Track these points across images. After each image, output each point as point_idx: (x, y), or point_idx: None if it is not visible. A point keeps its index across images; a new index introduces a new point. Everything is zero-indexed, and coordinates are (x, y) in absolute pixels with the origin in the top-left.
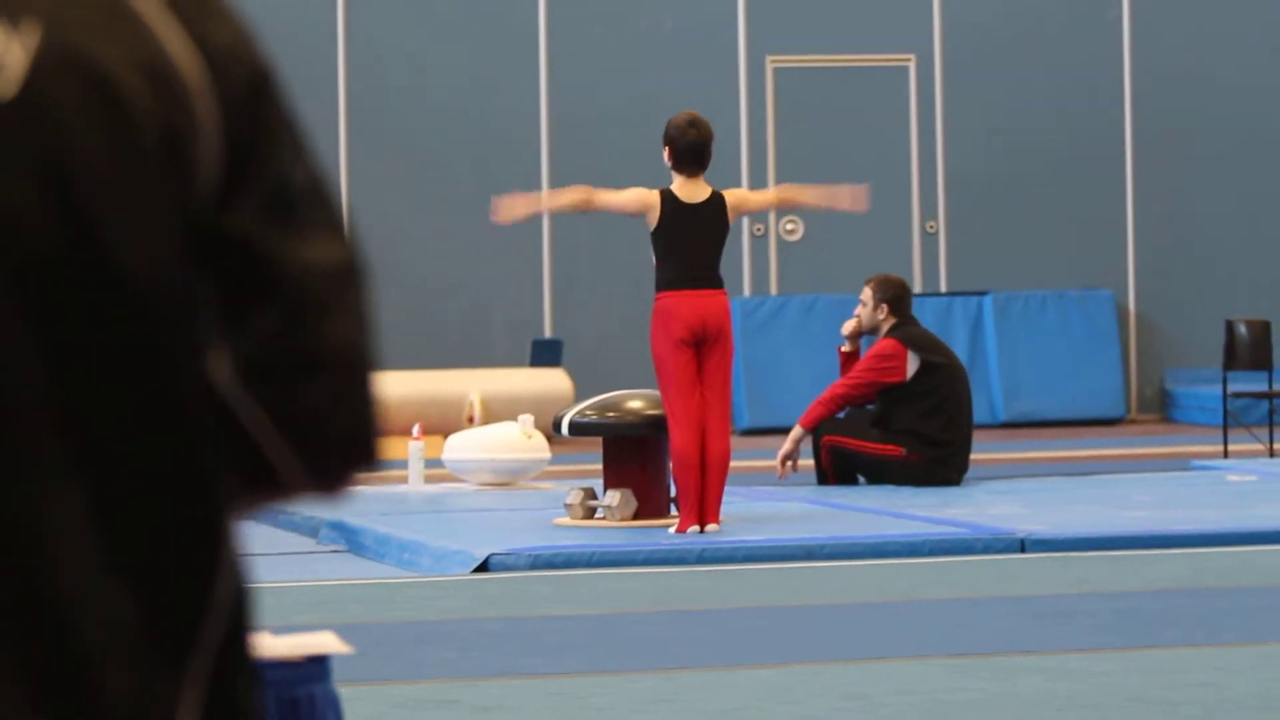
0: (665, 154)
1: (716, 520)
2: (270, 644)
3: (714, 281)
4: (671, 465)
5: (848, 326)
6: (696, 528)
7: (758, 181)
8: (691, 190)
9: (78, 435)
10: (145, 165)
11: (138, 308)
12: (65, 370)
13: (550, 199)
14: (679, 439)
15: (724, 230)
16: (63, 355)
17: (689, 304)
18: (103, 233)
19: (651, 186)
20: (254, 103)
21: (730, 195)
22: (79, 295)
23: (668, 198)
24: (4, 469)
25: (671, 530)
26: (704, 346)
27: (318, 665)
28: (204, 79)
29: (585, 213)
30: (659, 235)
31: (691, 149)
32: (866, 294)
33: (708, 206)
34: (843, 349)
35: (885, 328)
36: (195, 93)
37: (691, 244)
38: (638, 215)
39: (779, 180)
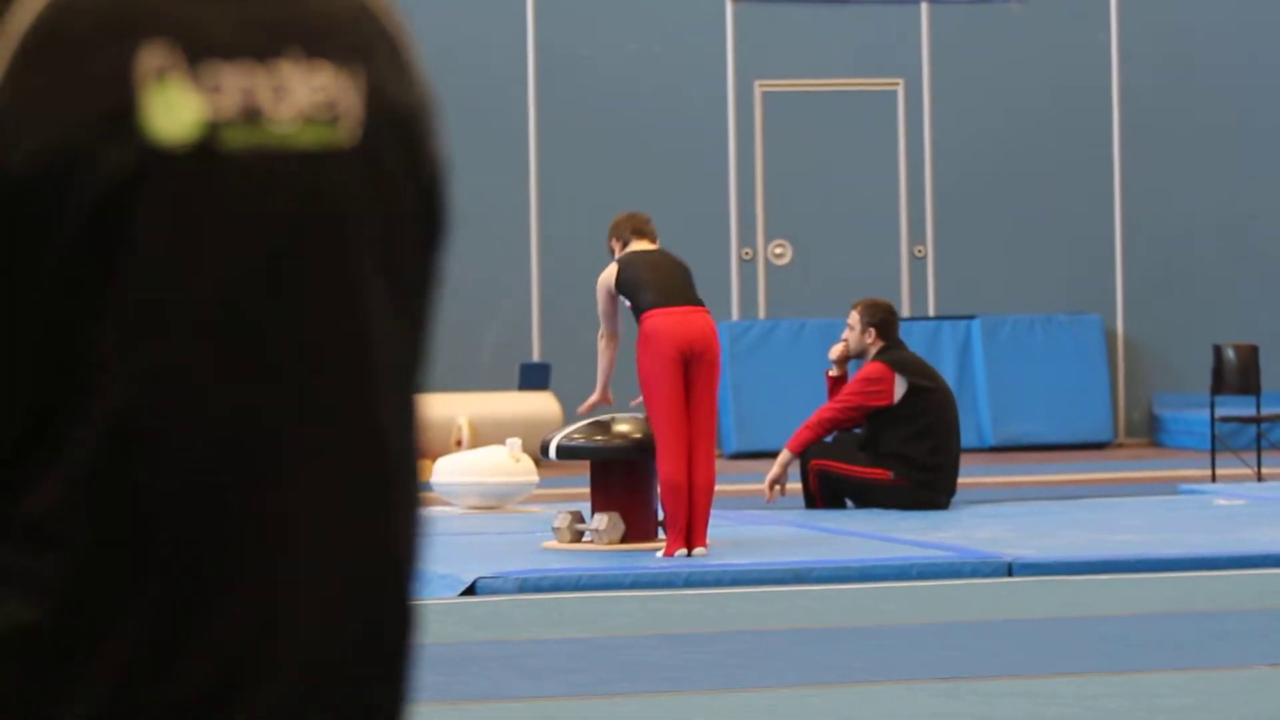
0: (617, 246)
1: (704, 544)
2: None
3: (696, 300)
4: (660, 491)
5: (835, 351)
6: (684, 551)
7: (746, 206)
8: (646, 246)
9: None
10: (430, 212)
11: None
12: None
13: (602, 375)
14: (667, 466)
15: (686, 265)
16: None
17: (677, 320)
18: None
19: (645, 216)
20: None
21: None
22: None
23: (623, 257)
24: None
25: (659, 554)
26: (691, 366)
27: None
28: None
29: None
30: (626, 278)
31: (644, 229)
32: (854, 318)
33: (662, 252)
34: (830, 373)
35: (873, 352)
36: (438, 144)
37: (661, 271)
38: (617, 295)
39: (767, 205)
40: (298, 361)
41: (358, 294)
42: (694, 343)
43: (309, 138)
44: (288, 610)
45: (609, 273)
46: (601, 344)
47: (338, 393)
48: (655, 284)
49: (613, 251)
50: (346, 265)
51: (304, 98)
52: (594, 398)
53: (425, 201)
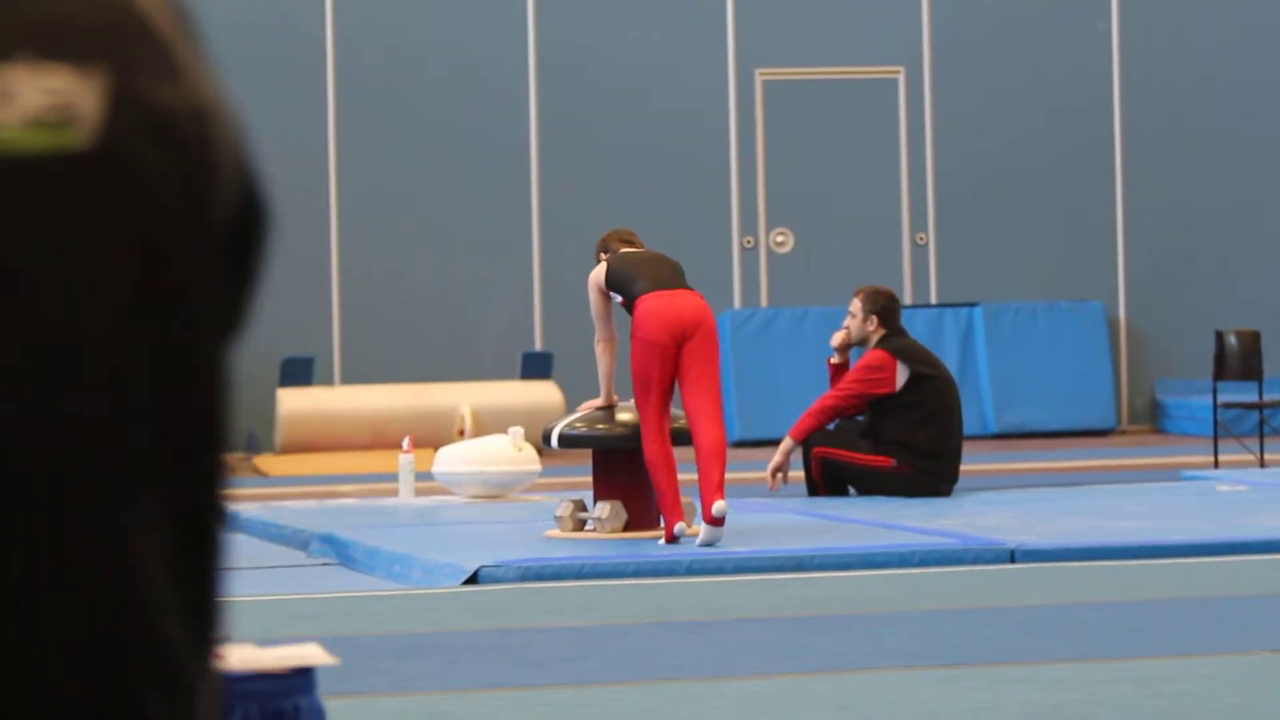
0: (603, 257)
1: (721, 495)
2: (256, 656)
3: (687, 285)
4: (650, 474)
5: (837, 338)
6: (682, 525)
7: (748, 194)
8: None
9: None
10: (210, 220)
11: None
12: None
13: (604, 379)
14: (648, 446)
15: (676, 261)
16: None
17: (668, 302)
18: (185, 292)
19: (642, 201)
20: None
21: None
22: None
23: (611, 256)
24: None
25: (660, 541)
26: (686, 345)
27: (303, 677)
28: (227, 132)
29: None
30: (616, 272)
31: (630, 240)
32: (856, 305)
33: (650, 250)
34: (832, 360)
35: (874, 339)
36: (224, 145)
37: (651, 263)
38: (609, 296)
39: (768, 193)
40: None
41: (89, 294)
42: (685, 321)
43: (37, 141)
44: None
45: (599, 272)
46: (598, 349)
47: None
48: (646, 274)
49: (600, 263)
50: (77, 266)
51: (32, 100)
52: (599, 402)
53: (202, 204)
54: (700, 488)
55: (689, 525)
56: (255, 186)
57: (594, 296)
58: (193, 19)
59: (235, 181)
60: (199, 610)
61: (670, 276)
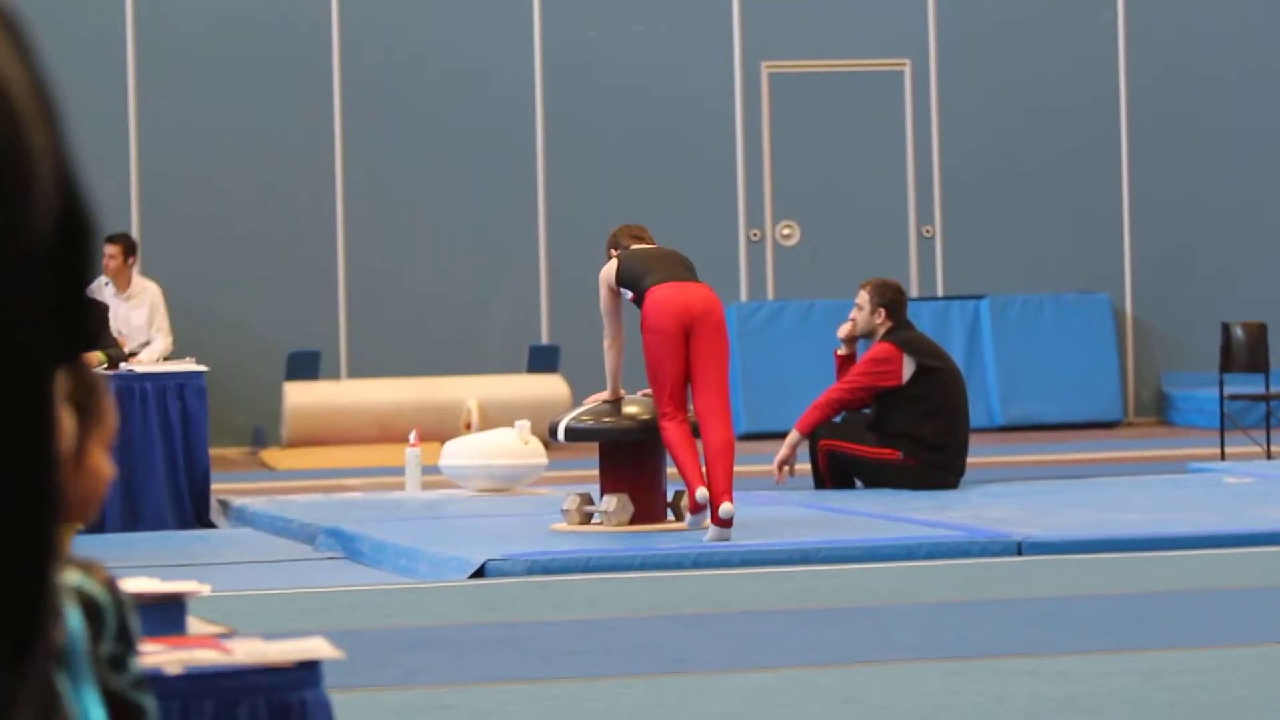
0: (614, 254)
1: (730, 498)
2: (262, 650)
3: (697, 278)
4: (669, 453)
5: (843, 330)
6: (704, 491)
7: (754, 187)
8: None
9: None
10: (27, 227)
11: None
12: None
13: (611, 376)
14: (668, 427)
15: (687, 257)
16: None
17: (678, 292)
18: None
19: (648, 194)
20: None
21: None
22: None
23: (622, 252)
24: None
25: (688, 515)
26: (695, 336)
27: (309, 670)
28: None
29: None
30: (627, 268)
31: (641, 235)
32: (863, 298)
33: (661, 246)
34: (838, 353)
35: (881, 332)
36: (38, 149)
37: (661, 258)
38: (619, 293)
39: (774, 186)
40: None
41: None
42: (693, 309)
43: None
44: None
45: (609, 268)
46: (607, 344)
47: None
48: (658, 268)
49: (610, 259)
50: None
51: None
52: (606, 397)
53: (16, 208)
54: (709, 488)
55: (715, 515)
56: (77, 191)
57: (604, 293)
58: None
59: (54, 186)
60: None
61: (681, 271)
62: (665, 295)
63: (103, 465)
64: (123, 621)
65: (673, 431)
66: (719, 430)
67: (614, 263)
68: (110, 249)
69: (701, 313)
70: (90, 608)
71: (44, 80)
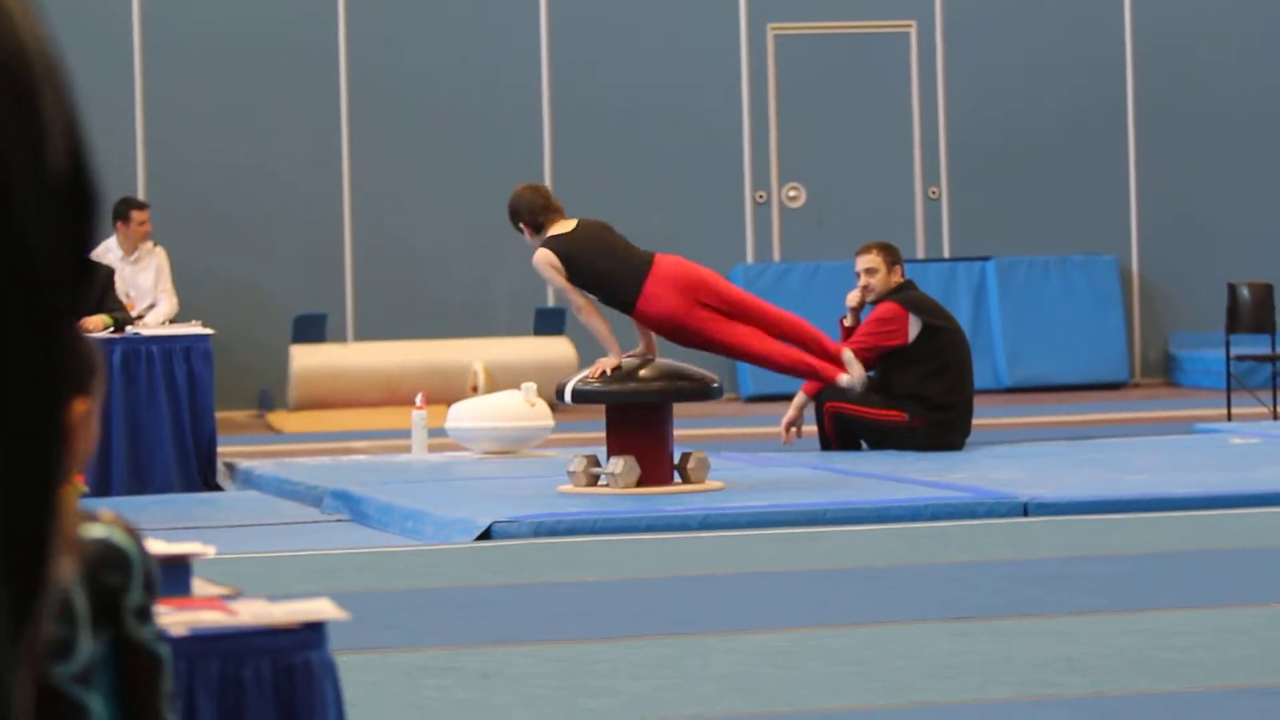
0: (528, 232)
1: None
2: (267, 611)
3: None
4: (791, 367)
5: (853, 298)
6: (845, 353)
7: (760, 149)
8: (562, 226)
9: None
10: (45, 171)
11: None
12: None
13: (607, 339)
14: (759, 350)
15: (603, 223)
16: None
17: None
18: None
19: (654, 156)
20: None
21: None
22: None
23: (555, 243)
24: None
25: (841, 379)
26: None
27: (314, 632)
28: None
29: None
30: (580, 272)
31: (551, 205)
32: (874, 260)
33: (585, 224)
34: (844, 321)
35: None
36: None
37: (603, 252)
38: (554, 279)
39: (780, 148)
40: None
41: None
42: (695, 279)
43: None
44: None
45: (548, 259)
46: (583, 317)
47: None
48: (600, 281)
49: (522, 233)
50: None
51: None
52: (612, 361)
53: (37, 151)
54: (818, 353)
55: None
56: (85, 156)
57: (552, 276)
58: None
59: (65, 149)
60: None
61: (630, 253)
62: (666, 271)
63: (94, 422)
64: (148, 572)
65: (766, 352)
66: (787, 325)
67: (550, 256)
68: (140, 215)
69: (699, 281)
70: (118, 558)
71: (52, 43)
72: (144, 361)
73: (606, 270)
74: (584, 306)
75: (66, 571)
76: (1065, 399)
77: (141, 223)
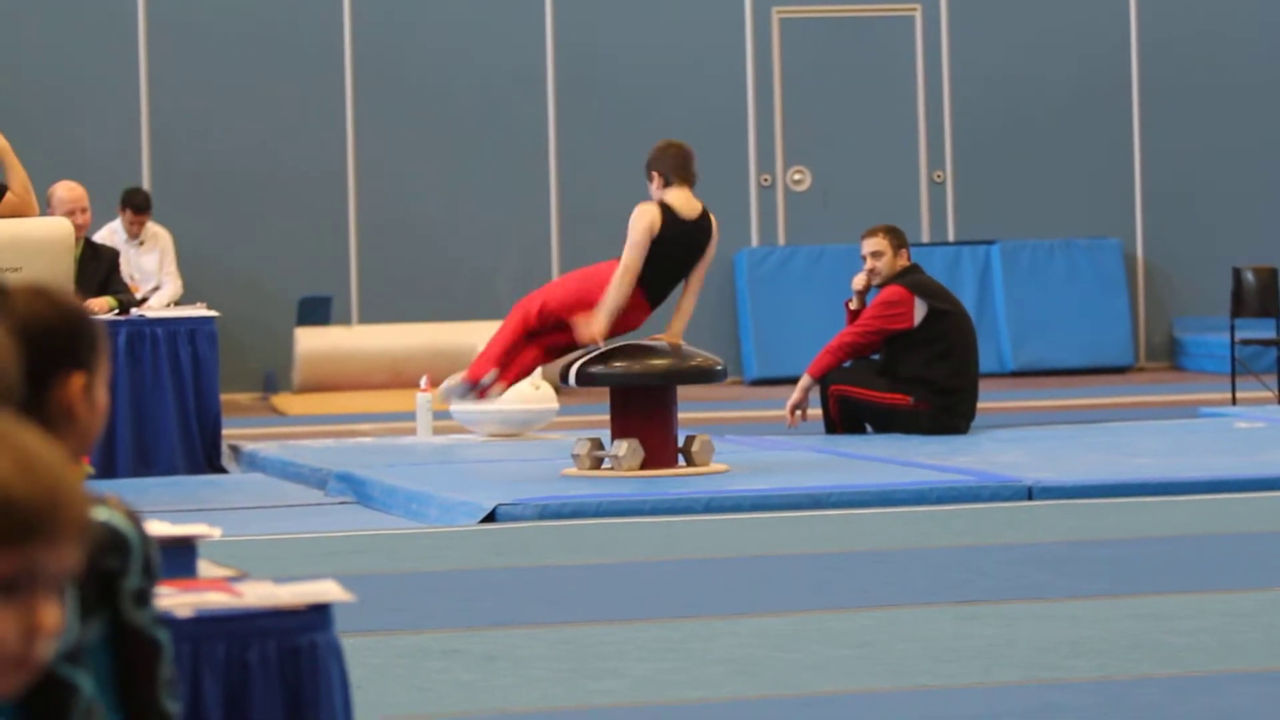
0: (657, 181)
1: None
2: (272, 593)
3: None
4: None
5: (859, 281)
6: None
7: (765, 132)
8: (684, 198)
9: None
10: None
11: None
12: None
13: (605, 312)
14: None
15: (703, 238)
16: None
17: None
18: None
19: (659, 137)
20: None
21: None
22: None
23: (666, 214)
24: None
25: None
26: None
27: (319, 614)
28: None
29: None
30: (654, 243)
31: (686, 171)
32: (880, 244)
33: (700, 226)
34: (849, 305)
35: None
36: None
37: (675, 257)
38: (639, 236)
39: (785, 131)
40: None
41: None
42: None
43: None
44: None
45: (652, 224)
46: (624, 278)
47: None
48: (662, 275)
49: (651, 181)
50: None
51: None
52: (593, 332)
53: None
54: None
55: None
56: None
57: (641, 235)
58: None
59: None
60: None
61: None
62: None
63: (103, 399)
64: (148, 556)
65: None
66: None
67: (655, 215)
68: (132, 215)
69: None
70: (117, 541)
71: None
72: (149, 344)
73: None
74: (633, 270)
75: (77, 561)
76: (1070, 383)
77: (132, 222)
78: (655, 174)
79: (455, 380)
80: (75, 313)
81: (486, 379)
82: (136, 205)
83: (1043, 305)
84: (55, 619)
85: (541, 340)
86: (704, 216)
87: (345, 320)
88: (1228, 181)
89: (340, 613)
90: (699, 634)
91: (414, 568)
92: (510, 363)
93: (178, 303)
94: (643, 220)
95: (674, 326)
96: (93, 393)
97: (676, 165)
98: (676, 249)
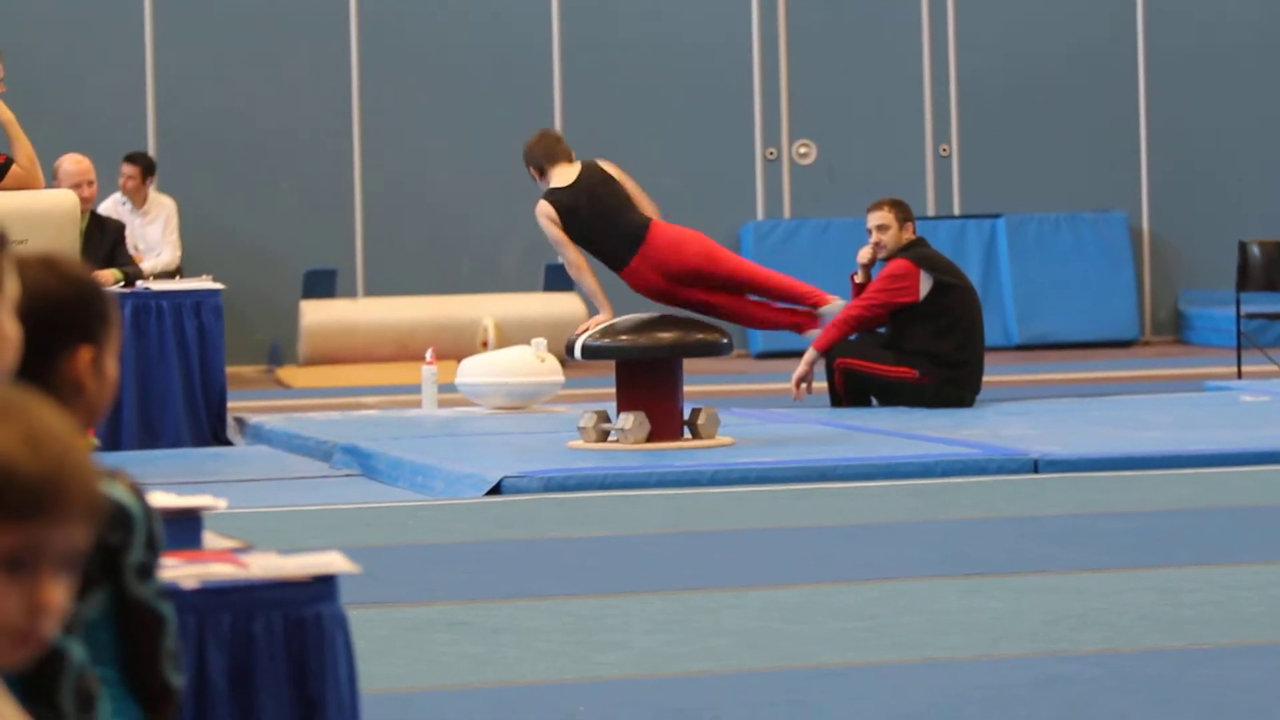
0: (535, 175)
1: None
2: (278, 564)
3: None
4: (762, 323)
5: (864, 254)
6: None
7: (770, 105)
8: (566, 172)
9: None
10: None
11: None
12: None
13: (598, 295)
14: (737, 309)
15: (605, 175)
16: None
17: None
18: None
19: (664, 112)
20: None
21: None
22: None
23: (555, 195)
24: None
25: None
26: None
27: (325, 585)
28: None
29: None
30: (572, 228)
31: (556, 152)
32: (885, 217)
33: (582, 177)
34: (855, 278)
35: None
36: None
37: (595, 223)
38: (550, 231)
39: (791, 104)
40: None
41: None
42: (682, 262)
43: None
44: None
45: (549, 215)
46: (574, 273)
47: None
48: (602, 233)
49: (535, 179)
50: None
51: None
52: (604, 317)
53: None
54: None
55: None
56: None
57: (548, 228)
58: None
59: None
60: None
61: (629, 216)
62: (678, 236)
63: (112, 372)
64: (151, 530)
65: (733, 304)
66: (764, 280)
67: (550, 210)
68: (128, 169)
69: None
70: (120, 515)
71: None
72: (154, 316)
73: (599, 233)
74: (576, 263)
75: (86, 539)
76: (1075, 356)
77: (130, 176)
78: (532, 169)
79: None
80: (85, 285)
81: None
82: (132, 159)
83: (1048, 279)
84: (61, 598)
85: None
86: (585, 165)
87: (351, 293)
88: (1234, 155)
89: (346, 585)
90: (704, 606)
91: (420, 540)
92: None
93: (176, 273)
94: (542, 218)
95: (647, 208)
96: (101, 366)
97: (544, 154)
98: (586, 206)
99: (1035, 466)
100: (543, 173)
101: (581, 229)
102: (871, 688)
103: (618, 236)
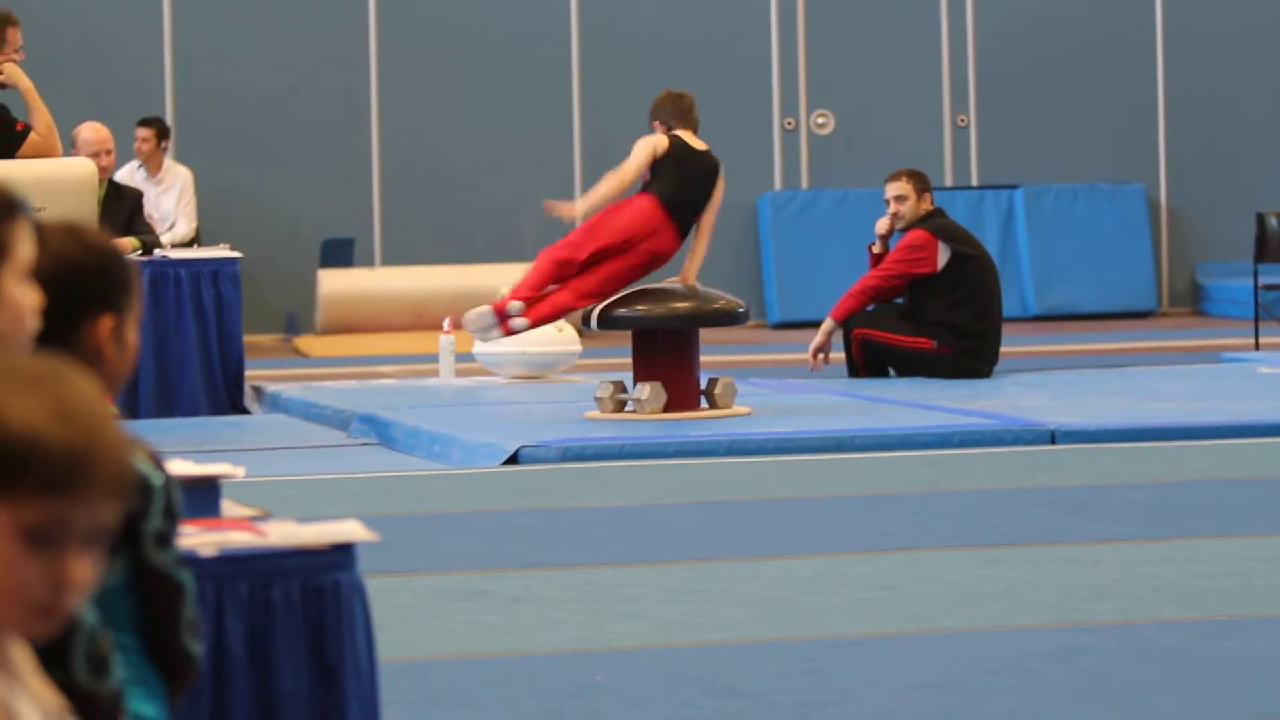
0: (659, 129)
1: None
2: (296, 532)
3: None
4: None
5: (882, 225)
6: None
7: (789, 75)
8: (692, 140)
9: None
10: None
11: None
12: None
13: (590, 201)
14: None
15: (712, 172)
16: None
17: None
18: None
19: (682, 81)
20: None
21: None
22: None
23: (677, 146)
24: None
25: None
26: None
27: (343, 553)
28: None
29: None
30: (667, 167)
31: (688, 116)
32: (903, 188)
33: (702, 160)
34: (873, 249)
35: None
36: None
37: (692, 185)
38: (642, 156)
39: (809, 74)
40: None
41: None
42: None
43: None
44: None
45: (657, 144)
46: (609, 179)
47: None
48: (681, 195)
49: (655, 131)
50: None
51: None
52: (574, 207)
53: None
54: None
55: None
56: None
57: (643, 153)
58: None
59: None
60: None
61: (690, 212)
62: (655, 221)
63: (133, 341)
64: (169, 498)
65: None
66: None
67: (663, 142)
68: (143, 132)
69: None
70: (139, 484)
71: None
72: (171, 285)
73: (670, 190)
74: (620, 177)
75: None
76: (1092, 327)
77: (145, 139)
78: (657, 124)
79: (482, 309)
80: (107, 253)
81: (511, 309)
82: (146, 122)
83: (1066, 250)
84: (87, 573)
85: (574, 283)
86: (711, 155)
87: (368, 262)
88: (1252, 126)
89: (363, 553)
90: (721, 576)
91: (437, 509)
92: (540, 300)
93: (193, 243)
94: (647, 143)
95: (689, 269)
96: (122, 334)
97: (677, 112)
98: (693, 168)
99: (1052, 437)
100: (669, 129)
101: (664, 179)
102: (888, 658)
103: (675, 208)
